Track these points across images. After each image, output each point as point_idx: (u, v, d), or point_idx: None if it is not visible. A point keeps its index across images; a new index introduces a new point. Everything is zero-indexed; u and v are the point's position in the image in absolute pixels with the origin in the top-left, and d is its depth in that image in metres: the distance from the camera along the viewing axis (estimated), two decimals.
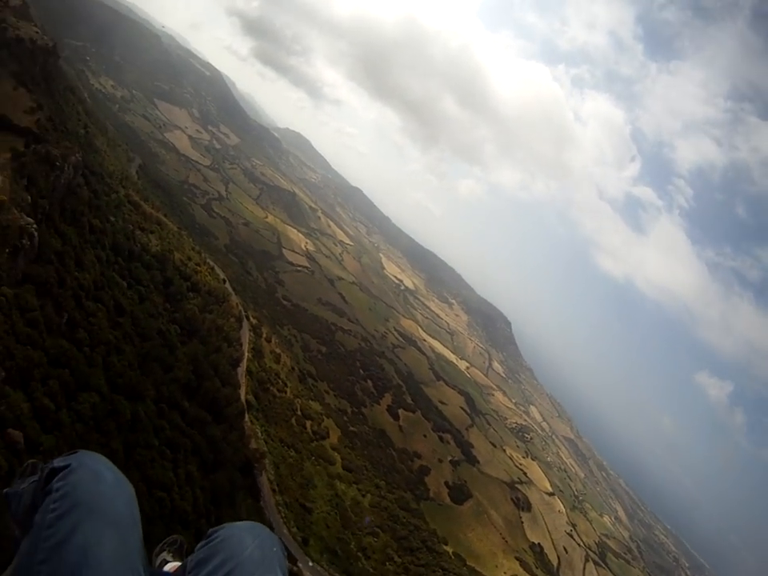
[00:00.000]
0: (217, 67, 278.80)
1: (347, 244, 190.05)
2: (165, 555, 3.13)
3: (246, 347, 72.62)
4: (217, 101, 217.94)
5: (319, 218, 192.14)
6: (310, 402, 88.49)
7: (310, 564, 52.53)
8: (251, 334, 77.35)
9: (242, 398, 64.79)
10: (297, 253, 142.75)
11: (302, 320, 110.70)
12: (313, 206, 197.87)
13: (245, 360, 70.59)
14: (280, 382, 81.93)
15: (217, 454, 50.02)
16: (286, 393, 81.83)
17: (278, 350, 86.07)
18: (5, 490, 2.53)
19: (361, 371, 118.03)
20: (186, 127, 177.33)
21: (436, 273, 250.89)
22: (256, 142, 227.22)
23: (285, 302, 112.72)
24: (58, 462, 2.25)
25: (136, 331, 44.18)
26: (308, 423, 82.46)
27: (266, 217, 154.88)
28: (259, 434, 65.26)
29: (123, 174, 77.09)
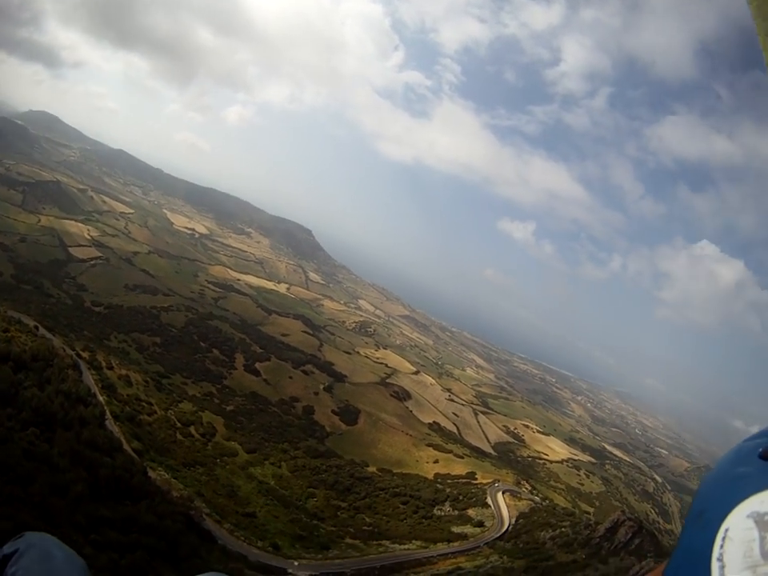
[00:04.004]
0: None
1: (128, 213, 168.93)
2: None
3: (97, 392, 58.78)
4: None
5: (91, 197, 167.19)
6: (179, 405, 79.78)
7: (296, 563, 52.56)
8: (91, 371, 62.31)
9: (131, 452, 54.59)
10: (84, 246, 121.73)
11: (123, 319, 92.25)
12: (81, 187, 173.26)
13: (105, 408, 57.66)
14: (144, 404, 70.60)
15: (165, 538, 43.48)
16: (156, 413, 71.48)
17: (123, 372, 72.09)
18: None
19: (202, 344, 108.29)
20: None
21: (223, 208, 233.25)
22: (0, 138, 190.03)
23: (96, 309, 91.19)
24: (6, 549, 2.30)
25: (9, 476, 31.63)
26: (192, 429, 75.41)
27: (39, 221, 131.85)
28: (166, 475, 57.39)
29: None
